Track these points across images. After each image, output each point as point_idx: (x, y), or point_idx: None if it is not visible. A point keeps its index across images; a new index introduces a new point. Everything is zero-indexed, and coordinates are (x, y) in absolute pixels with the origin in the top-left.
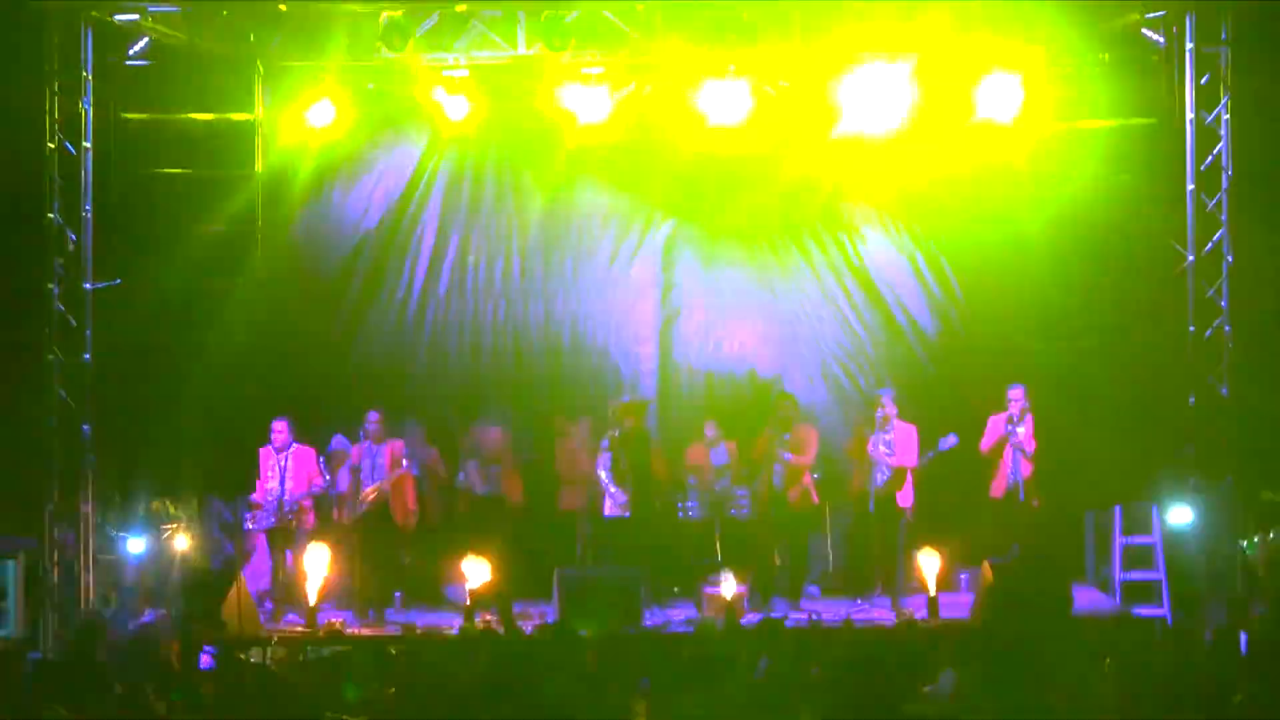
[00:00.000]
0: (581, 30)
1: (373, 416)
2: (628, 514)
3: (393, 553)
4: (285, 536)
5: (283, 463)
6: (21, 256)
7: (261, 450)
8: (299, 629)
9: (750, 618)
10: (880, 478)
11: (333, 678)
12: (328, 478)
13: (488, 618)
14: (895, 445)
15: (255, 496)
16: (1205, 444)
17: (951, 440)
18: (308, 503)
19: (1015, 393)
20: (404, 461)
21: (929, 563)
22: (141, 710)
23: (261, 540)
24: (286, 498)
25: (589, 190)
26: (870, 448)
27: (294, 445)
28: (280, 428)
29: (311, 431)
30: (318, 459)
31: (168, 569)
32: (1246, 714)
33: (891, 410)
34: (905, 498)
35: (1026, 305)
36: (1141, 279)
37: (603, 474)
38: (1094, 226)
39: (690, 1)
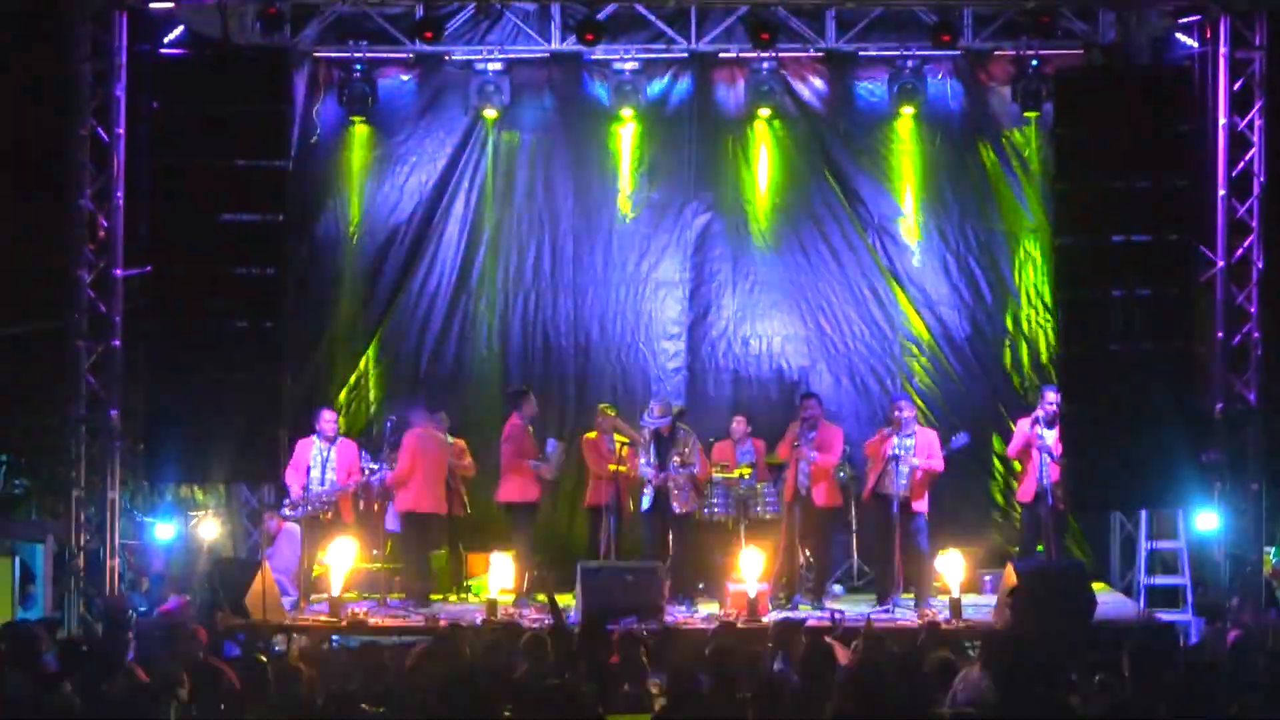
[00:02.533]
0: (615, 25)
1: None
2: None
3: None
4: (319, 528)
5: (326, 454)
6: (53, 242)
7: (302, 441)
8: (323, 619)
9: (773, 616)
10: (901, 479)
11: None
12: (367, 471)
13: (510, 611)
14: (916, 449)
15: (292, 485)
16: (1232, 450)
17: (962, 439)
18: (346, 495)
19: (1052, 394)
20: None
21: (951, 565)
22: (164, 695)
23: (288, 529)
24: (326, 489)
25: (621, 186)
26: (888, 449)
27: (339, 438)
28: (330, 418)
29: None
30: (360, 453)
31: (194, 556)
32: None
33: (908, 414)
34: (921, 502)
35: (1054, 309)
36: (1171, 284)
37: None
38: (1123, 230)
39: None
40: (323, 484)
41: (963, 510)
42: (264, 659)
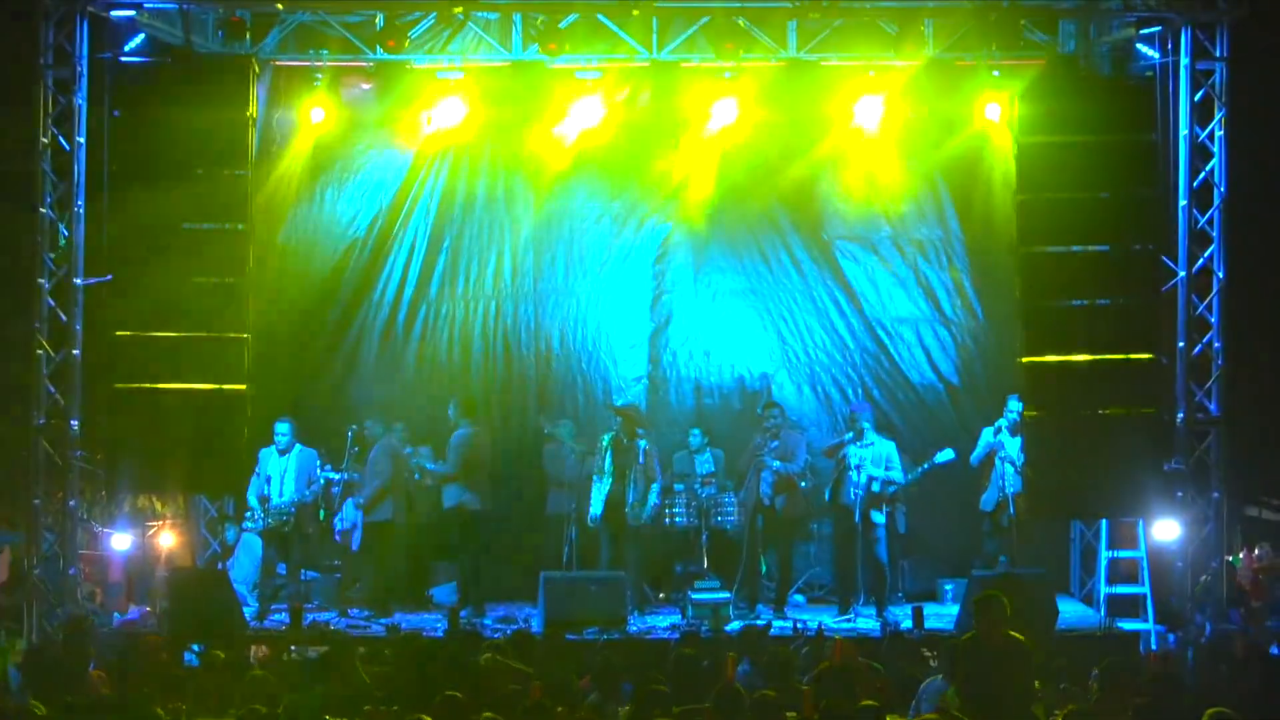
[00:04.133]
0: (577, 34)
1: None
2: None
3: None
4: (279, 538)
5: (283, 464)
6: (13, 250)
7: (261, 451)
8: (284, 628)
9: (735, 625)
10: (859, 488)
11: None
12: (323, 480)
13: (474, 620)
14: (873, 459)
15: (251, 496)
16: (1193, 459)
17: (948, 455)
18: (305, 505)
19: (1015, 403)
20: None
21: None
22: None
23: (246, 540)
24: (284, 499)
25: (582, 194)
26: (846, 458)
27: (297, 447)
28: (285, 429)
29: (300, 431)
30: (316, 461)
31: (152, 566)
32: None
33: (867, 423)
34: (880, 512)
35: (1015, 320)
36: (1132, 294)
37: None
38: (1085, 240)
39: (686, 7)
40: (281, 495)
41: (925, 519)
42: (222, 655)
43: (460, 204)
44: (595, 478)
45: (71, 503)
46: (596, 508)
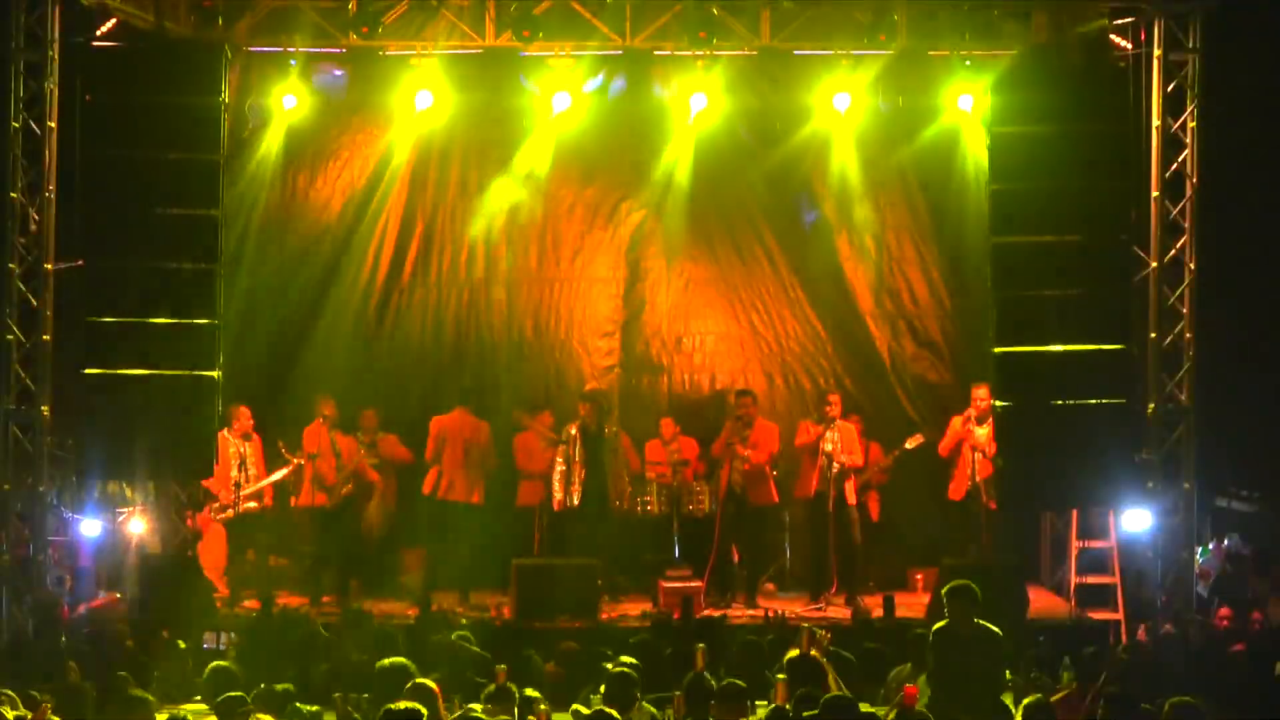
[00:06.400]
0: (551, 22)
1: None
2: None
3: (354, 540)
4: (244, 522)
5: (243, 450)
6: None
7: (220, 436)
8: (255, 614)
9: (707, 614)
10: (833, 475)
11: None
12: (291, 462)
13: (443, 605)
14: (842, 443)
15: (213, 483)
16: (1164, 450)
17: (917, 440)
18: (268, 489)
19: (980, 392)
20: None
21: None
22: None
23: (215, 526)
24: (246, 484)
25: (555, 182)
26: (820, 445)
27: (253, 433)
28: (242, 414)
29: (271, 417)
30: (277, 446)
31: (122, 553)
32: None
33: (836, 410)
34: (851, 497)
35: (987, 309)
36: (1104, 284)
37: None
38: (1057, 231)
39: None
40: (247, 481)
41: (895, 508)
42: (182, 644)
43: (433, 191)
44: (567, 466)
45: (41, 489)
46: (572, 497)
